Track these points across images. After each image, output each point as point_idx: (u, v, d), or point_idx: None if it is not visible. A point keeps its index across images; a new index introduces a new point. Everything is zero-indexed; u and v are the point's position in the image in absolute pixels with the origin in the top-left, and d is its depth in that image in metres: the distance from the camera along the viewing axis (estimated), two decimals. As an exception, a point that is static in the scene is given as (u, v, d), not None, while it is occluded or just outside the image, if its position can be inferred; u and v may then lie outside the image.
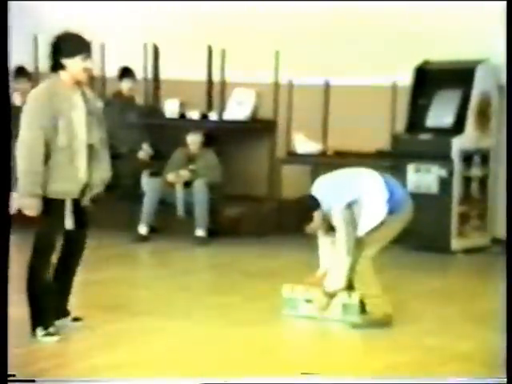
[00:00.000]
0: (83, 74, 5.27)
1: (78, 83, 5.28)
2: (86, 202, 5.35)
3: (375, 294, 5.77)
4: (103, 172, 5.40)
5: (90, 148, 5.28)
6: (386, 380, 4.27)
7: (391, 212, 5.69)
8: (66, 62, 5.22)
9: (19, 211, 5.17)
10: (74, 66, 5.22)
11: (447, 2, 8.36)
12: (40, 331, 5.30)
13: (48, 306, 5.34)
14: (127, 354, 5.13)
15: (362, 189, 5.73)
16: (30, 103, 5.24)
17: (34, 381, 4.36)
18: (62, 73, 5.25)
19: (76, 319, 5.54)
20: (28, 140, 5.14)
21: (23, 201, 5.13)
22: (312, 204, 5.72)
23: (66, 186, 5.21)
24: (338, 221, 5.66)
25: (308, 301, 5.96)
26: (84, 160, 5.24)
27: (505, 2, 4.68)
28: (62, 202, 5.22)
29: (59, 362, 5.23)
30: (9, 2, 3.66)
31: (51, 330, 5.30)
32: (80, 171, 5.24)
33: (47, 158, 5.14)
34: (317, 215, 5.70)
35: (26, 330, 5.33)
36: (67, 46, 5.26)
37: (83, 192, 5.31)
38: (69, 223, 5.28)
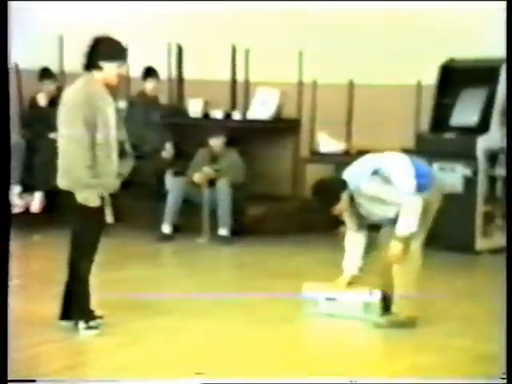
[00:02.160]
0: (116, 79, 5.44)
1: (109, 86, 5.43)
2: (114, 190, 5.50)
3: (407, 295, 5.73)
4: (128, 166, 5.59)
5: (119, 144, 5.47)
6: (387, 380, 4.22)
7: (421, 189, 5.67)
8: (102, 64, 5.37)
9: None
10: (110, 70, 5.39)
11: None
12: (82, 325, 5.44)
13: (89, 300, 5.48)
14: (150, 353, 5.15)
15: (386, 161, 5.74)
16: (69, 101, 5.39)
17: (34, 381, 4.36)
18: (96, 73, 5.39)
19: (98, 317, 5.59)
20: (76, 134, 5.29)
21: (83, 195, 5.30)
22: (338, 184, 5.72)
23: (106, 181, 5.37)
24: (375, 185, 5.66)
25: (329, 299, 5.95)
26: (116, 157, 5.43)
27: (505, 2, 4.66)
28: (101, 197, 5.37)
29: (83, 359, 5.28)
30: (9, 1, 3.65)
31: (92, 323, 5.44)
32: (113, 166, 5.41)
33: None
34: (344, 195, 5.68)
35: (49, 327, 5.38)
36: (107, 49, 5.41)
37: (115, 181, 5.48)
38: (109, 218, 5.43)
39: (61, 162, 5.43)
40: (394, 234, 5.62)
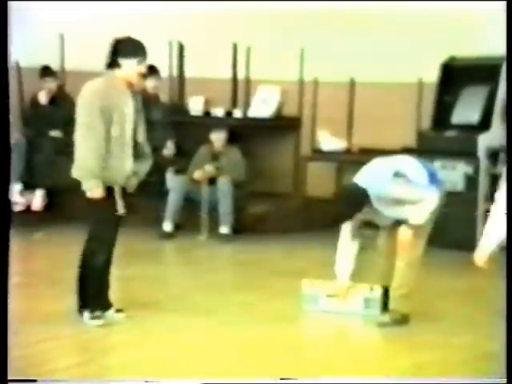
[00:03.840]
0: (136, 76, 5.53)
1: (130, 84, 5.51)
2: (131, 189, 5.61)
3: (406, 292, 5.75)
4: (147, 165, 5.69)
5: (137, 143, 5.56)
6: (386, 380, 4.22)
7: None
8: (122, 61, 5.46)
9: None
10: (129, 66, 5.47)
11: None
12: (87, 314, 5.52)
13: (96, 291, 5.56)
14: (153, 350, 5.17)
15: (401, 163, 5.78)
16: (87, 94, 5.47)
17: (35, 381, 4.37)
18: (117, 71, 5.48)
19: (119, 310, 5.69)
20: (91, 124, 5.37)
21: (89, 184, 5.38)
22: (359, 190, 5.67)
23: (115, 174, 5.47)
24: (399, 186, 5.66)
25: (329, 295, 5.97)
26: (130, 153, 5.50)
27: (505, 2, 4.59)
28: (112, 190, 5.46)
29: (84, 357, 5.30)
30: (9, 1, 3.65)
31: (97, 313, 5.52)
32: (126, 162, 5.48)
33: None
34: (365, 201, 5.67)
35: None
36: (126, 47, 5.51)
37: (130, 181, 5.56)
38: (122, 208, 5.50)
39: (76, 152, 5.49)
40: (405, 222, 5.66)
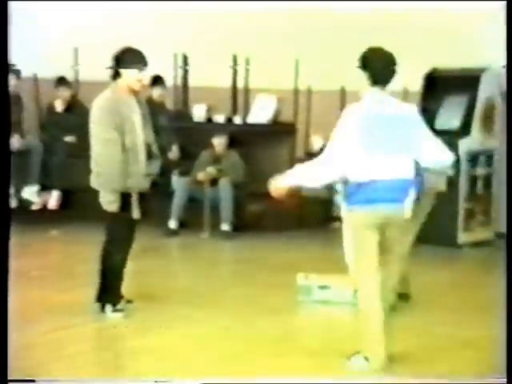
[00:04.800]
0: (137, 83, 5.49)
1: (133, 91, 5.50)
2: (145, 190, 5.63)
3: (391, 286, 5.72)
4: (157, 165, 5.72)
5: (147, 146, 5.57)
6: (386, 380, 4.15)
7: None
8: (123, 71, 5.44)
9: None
10: (130, 75, 5.45)
11: (454, 12, 8.35)
12: (109, 308, 5.53)
13: (117, 286, 5.59)
14: (160, 337, 5.20)
15: None
16: (98, 110, 5.46)
17: (33, 381, 4.20)
18: (119, 81, 5.47)
19: (128, 301, 5.70)
20: (107, 139, 5.37)
21: (107, 198, 5.39)
22: None
23: (133, 181, 5.46)
24: None
25: (322, 287, 5.97)
26: (143, 157, 5.51)
27: (504, 2, 4.42)
28: (128, 196, 5.47)
29: (98, 344, 5.30)
30: (9, 1, 3.54)
31: (118, 307, 5.54)
32: (141, 166, 5.50)
33: None
34: None
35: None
36: (126, 57, 5.49)
37: (144, 183, 5.59)
38: (136, 213, 5.51)
39: (95, 165, 5.48)
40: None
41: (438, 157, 4.74)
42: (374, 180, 4.52)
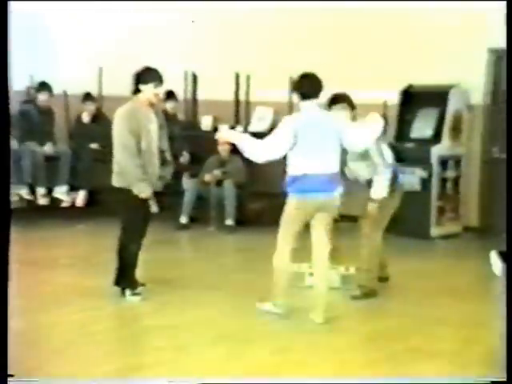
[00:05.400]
0: (154, 97, 5.56)
1: (151, 104, 5.55)
2: (160, 188, 5.67)
3: (373, 269, 5.75)
4: (169, 171, 5.78)
5: (162, 152, 5.63)
6: (386, 380, 4.08)
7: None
8: (141, 87, 5.51)
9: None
10: (148, 90, 5.51)
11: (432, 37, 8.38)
12: (128, 292, 5.53)
13: (133, 272, 5.59)
14: (172, 317, 5.22)
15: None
16: (118, 119, 5.52)
17: (35, 380, 3.96)
18: (139, 95, 5.53)
19: (142, 284, 5.70)
20: (126, 142, 5.43)
21: (139, 187, 5.43)
22: None
23: (150, 180, 5.49)
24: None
25: (312, 274, 5.98)
26: (157, 161, 5.56)
27: (504, 2, 4.19)
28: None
29: (118, 323, 5.31)
30: (9, 2, 3.38)
31: (137, 291, 5.54)
32: (155, 169, 5.55)
33: None
34: None
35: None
36: (144, 75, 5.55)
37: (158, 183, 5.63)
38: (154, 208, 5.57)
39: (116, 166, 5.53)
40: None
41: (360, 139, 5.21)
42: (306, 174, 5.00)
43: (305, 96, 5.07)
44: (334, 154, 5.07)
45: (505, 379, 3.53)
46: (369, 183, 5.68)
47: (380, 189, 5.60)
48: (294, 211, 5.12)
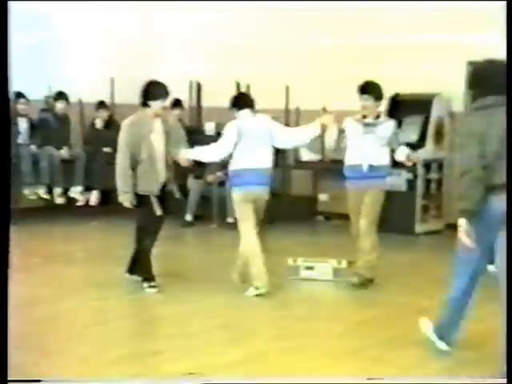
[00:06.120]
0: (161, 110, 5.61)
1: (158, 115, 5.58)
2: (170, 188, 5.72)
3: (371, 259, 5.76)
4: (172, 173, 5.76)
5: (168, 157, 5.64)
6: (386, 380, 3.99)
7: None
8: (150, 102, 5.53)
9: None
10: (155, 104, 5.54)
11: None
12: (146, 284, 5.55)
13: (151, 267, 5.60)
14: (179, 306, 5.24)
15: None
16: (121, 131, 5.56)
17: (38, 381, 3.62)
18: (148, 109, 5.54)
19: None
20: (121, 155, 5.49)
21: (120, 197, 5.51)
22: None
23: (149, 186, 5.51)
24: None
25: (307, 267, 6.00)
26: (163, 166, 5.56)
27: (505, 2, 4.00)
28: (148, 196, 5.52)
29: (133, 311, 5.33)
30: (9, 1, 3.28)
31: (153, 283, 5.56)
32: (160, 174, 5.55)
33: (135, 166, 5.48)
34: None
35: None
36: (153, 92, 5.55)
37: (167, 185, 5.65)
38: (159, 211, 5.55)
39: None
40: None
41: (294, 138, 5.81)
42: (245, 169, 5.44)
43: (240, 108, 5.64)
44: (267, 151, 5.52)
45: (505, 381, 3.37)
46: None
47: (404, 150, 5.97)
48: (242, 204, 5.49)
